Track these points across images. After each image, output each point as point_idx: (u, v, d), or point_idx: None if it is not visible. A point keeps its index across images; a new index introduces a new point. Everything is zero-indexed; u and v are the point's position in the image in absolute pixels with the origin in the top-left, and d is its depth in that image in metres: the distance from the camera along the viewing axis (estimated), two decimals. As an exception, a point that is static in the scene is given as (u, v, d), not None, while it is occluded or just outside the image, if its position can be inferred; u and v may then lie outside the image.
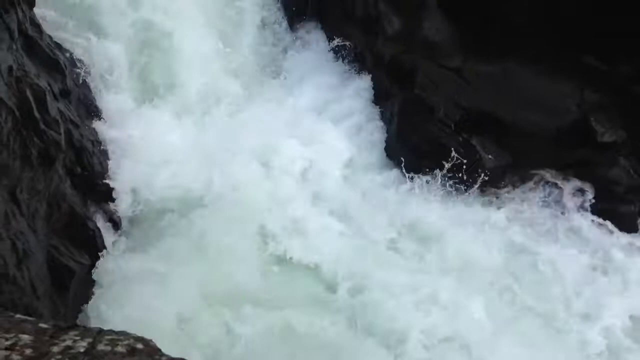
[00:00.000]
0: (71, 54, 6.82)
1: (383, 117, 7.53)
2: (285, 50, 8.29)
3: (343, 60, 8.01)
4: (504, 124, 6.96)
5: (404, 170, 6.91)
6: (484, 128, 6.95)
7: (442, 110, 7.00)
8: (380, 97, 7.57)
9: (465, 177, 6.85)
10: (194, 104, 7.50)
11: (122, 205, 6.44)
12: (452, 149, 6.84)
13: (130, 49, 7.26)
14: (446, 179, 6.87)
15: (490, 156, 6.91)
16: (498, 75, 7.09)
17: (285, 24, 8.49)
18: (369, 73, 7.76)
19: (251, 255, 6.26)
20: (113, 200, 6.41)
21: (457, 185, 6.87)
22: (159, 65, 7.37)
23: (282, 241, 6.36)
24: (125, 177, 6.57)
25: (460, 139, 6.94)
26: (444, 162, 6.87)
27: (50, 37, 6.70)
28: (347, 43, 7.90)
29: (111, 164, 6.60)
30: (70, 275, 5.40)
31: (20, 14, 5.92)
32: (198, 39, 7.66)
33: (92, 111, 6.85)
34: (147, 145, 6.73)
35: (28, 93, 5.48)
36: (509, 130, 6.93)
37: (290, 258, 6.29)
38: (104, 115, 6.88)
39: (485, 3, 6.99)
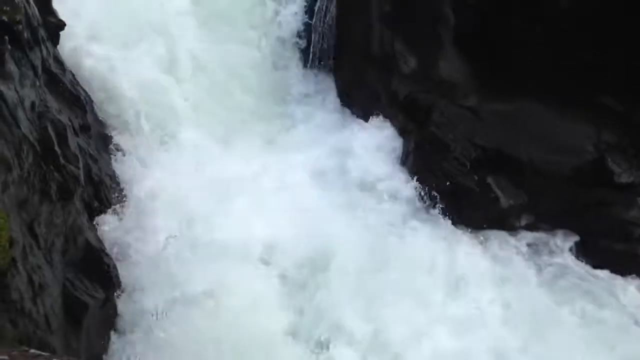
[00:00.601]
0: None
1: (398, 155, 7.55)
2: (300, 92, 8.37)
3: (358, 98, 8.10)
4: (520, 163, 6.94)
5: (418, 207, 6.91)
6: (500, 167, 6.94)
7: (457, 148, 7.01)
8: (396, 135, 7.59)
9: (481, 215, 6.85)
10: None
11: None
12: (468, 188, 6.82)
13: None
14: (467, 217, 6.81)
15: (505, 195, 6.87)
16: (514, 114, 7.11)
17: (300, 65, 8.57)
18: (384, 110, 7.81)
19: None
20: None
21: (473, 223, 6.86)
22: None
23: None
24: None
25: (476, 177, 6.93)
26: (459, 200, 6.88)
27: (72, 73, 6.87)
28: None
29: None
30: (84, 309, 5.40)
31: (44, 51, 6.08)
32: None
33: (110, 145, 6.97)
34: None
35: (49, 128, 5.58)
36: (525, 169, 6.91)
37: None
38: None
39: (501, 43, 7.05)
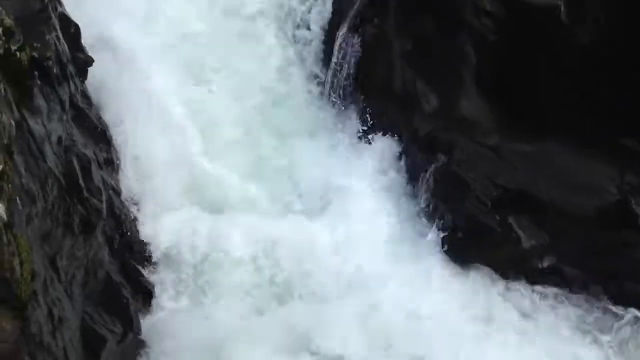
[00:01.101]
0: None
1: (417, 192, 7.53)
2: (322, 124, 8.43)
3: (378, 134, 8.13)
4: (542, 203, 6.88)
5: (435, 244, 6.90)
6: (522, 207, 6.88)
7: (478, 187, 6.97)
8: (414, 173, 7.58)
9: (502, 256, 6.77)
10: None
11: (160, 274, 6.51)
12: (489, 227, 6.76)
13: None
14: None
15: (527, 236, 6.80)
16: (536, 154, 7.07)
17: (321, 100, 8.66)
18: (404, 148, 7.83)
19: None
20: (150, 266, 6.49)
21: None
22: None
23: None
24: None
25: (497, 217, 6.87)
26: (480, 240, 6.82)
27: (99, 107, 7.01)
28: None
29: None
30: (102, 343, 5.42)
31: (72, 86, 6.23)
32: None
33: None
34: None
35: (74, 162, 5.69)
36: (547, 210, 6.84)
37: None
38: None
39: (523, 83, 7.06)
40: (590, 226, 6.83)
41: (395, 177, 7.67)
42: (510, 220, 6.83)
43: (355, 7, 8.28)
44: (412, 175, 7.66)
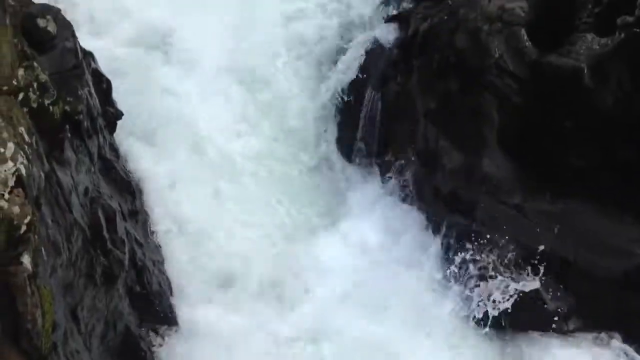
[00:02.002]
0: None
1: (439, 250, 7.47)
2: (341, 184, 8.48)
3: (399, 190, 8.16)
4: (567, 264, 6.77)
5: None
6: (546, 268, 6.77)
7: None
8: (436, 231, 7.55)
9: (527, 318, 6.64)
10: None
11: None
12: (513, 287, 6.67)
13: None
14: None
15: (552, 297, 6.67)
16: (560, 214, 6.99)
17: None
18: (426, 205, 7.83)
19: None
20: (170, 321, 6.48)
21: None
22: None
23: None
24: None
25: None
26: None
27: (126, 159, 7.16)
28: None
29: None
30: (118, 398, 5.37)
31: (101, 139, 6.38)
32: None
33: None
34: None
35: (100, 213, 5.78)
36: (572, 271, 6.73)
37: None
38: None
39: (546, 143, 7.04)
40: (617, 289, 6.68)
41: (417, 234, 7.64)
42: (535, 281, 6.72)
43: (380, 66, 8.45)
44: (434, 233, 7.64)
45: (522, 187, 7.17)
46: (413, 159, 8.10)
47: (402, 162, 8.23)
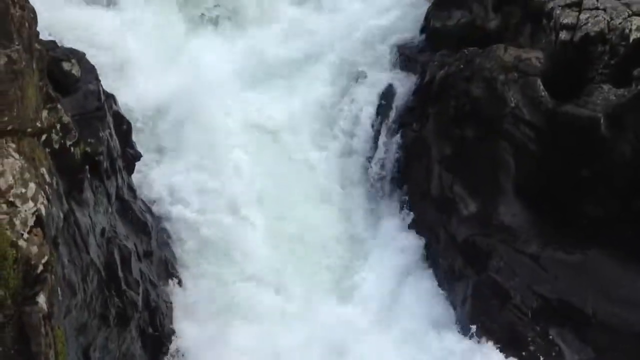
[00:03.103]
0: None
1: (453, 298, 7.38)
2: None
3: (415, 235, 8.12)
4: (584, 316, 6.64)
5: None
6: (564, 319, 6.65)
7: (518, 296, 6.80)
8: (451, 278, 7.47)
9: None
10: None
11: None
12: (529, 338, 6.54)
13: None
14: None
15: (570, 349, 6.52)
16: (577, 263, 6.91)
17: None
18: (441, 252, 7.77)
19: None
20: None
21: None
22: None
23: None
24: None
25: (538, 328, 6.65)
26: (520, 352, 6.57)
27: (142, 200, 7.22)
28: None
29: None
30: None
31: (120, 180, 6.45)
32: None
33: (170, 272, 7.12)
34: None
35: (115, 254, 5.80)
36: (590, 323, 6.59)
37: None
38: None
39: (564, 192, 7.01)
40: (636, 341, 6.52)
41: (430, 279, 7.58)
42: (552, 332, 6.60)
43: (396, 112, 8.53)
44: (448, 280, 7.57)
45: (539, 236, 7.11)
46: (428, 204, 8.08)
47: (417, 205, 8.22)
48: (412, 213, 8.21)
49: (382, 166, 8.59)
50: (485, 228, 7.39)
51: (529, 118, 7.09)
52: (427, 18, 9.05)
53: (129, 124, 6.91)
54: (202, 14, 9.73)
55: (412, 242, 8.08)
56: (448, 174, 7.86)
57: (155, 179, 7.64)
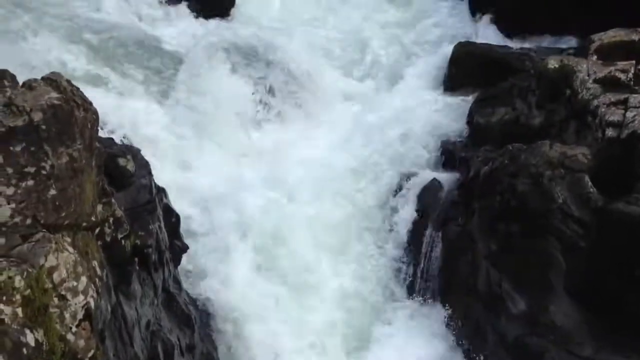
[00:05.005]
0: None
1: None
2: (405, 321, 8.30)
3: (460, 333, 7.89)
4: None
5: None
6: None
7: (573, 402, 6.46)
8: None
9: None
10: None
11: None
12: None
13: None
14: None
15: None
16: (637, 372, 6.56)
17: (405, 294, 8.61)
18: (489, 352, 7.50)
19: None
20: None
21: None
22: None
23: None
24: None
25: None
26: None
27: (187, 292, 7.26)
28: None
29: None
30: None
31: (166, 272, 6.54)
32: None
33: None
34: None
35: (159, 347, 5.79)
36: None
37: None
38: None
39: (618, 293, 6.75)
40: None
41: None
42: None
43: (441, 206, 8.52)
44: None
45: (593, 338, 6.81)
46: (474, 301, 7.89)
47: (464, 304, 8.03)
48: (456, 312, 8.03)
49: (427, 261, 8.50)
50: (536, 327, 7.14)
51: (577, 215, 6.97)
52: (470, 114, 9.20)
53: (177, 217, 7.08)
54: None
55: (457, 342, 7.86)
56: (495, 270, 7.70)
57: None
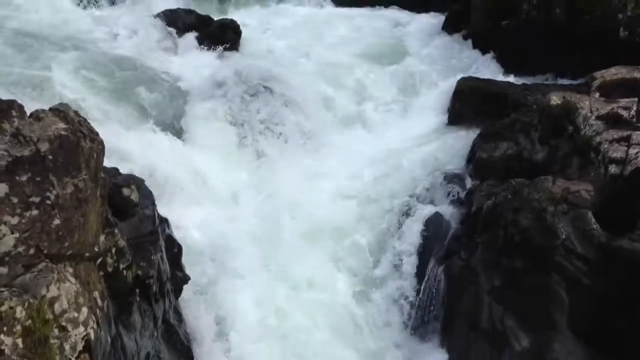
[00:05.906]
0: None
1: None
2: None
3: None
4: None
5: None
6: None
7: None
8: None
9: None
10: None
11: None
12: None
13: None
14: None
15: None
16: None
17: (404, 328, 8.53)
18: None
19: None
20: None
21: None
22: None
23: None
24: None
25: None
26: None
27: (187, 324, 7.20)
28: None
29: None
30: None
31: (167, 303, 6.49)
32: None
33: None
34: None
35: (158, 382, 5.72)
36: None
37: None
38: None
39: (622, 329, 6.68)
40: None
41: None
42: None
43: (443, 240, 8.50)
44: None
45: (599, 376, 6.71)
46: (477, 336, 7.80)
47: (465, 339, 7.94)
48: (458, 348, 7.94)
49: (428, 296, 8.43)
50: (540, 365, 7.04)
51: (581, 251, 6.93)
52: (473, 148, 9.23)
53: (179, 247, 7.06)
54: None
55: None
56: (498, 305, 7.63)
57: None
